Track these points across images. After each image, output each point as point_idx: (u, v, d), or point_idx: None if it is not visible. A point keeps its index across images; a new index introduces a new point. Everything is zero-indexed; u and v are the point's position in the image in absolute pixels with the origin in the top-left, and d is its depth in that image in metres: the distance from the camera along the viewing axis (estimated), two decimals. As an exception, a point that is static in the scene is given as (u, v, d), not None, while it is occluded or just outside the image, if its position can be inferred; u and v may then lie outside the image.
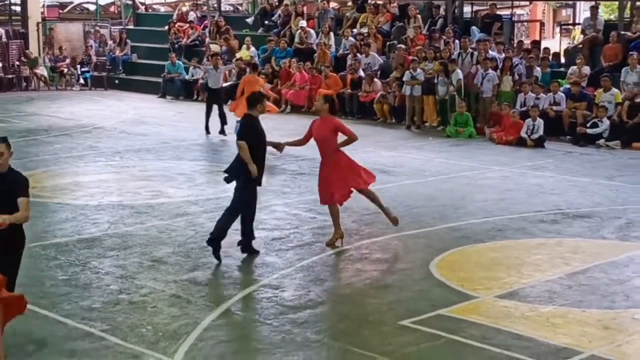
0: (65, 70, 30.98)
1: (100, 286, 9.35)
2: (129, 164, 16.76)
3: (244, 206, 10.43)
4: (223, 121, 19.89)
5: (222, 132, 19.84)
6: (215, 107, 20.08)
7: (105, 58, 31.73)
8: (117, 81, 30.82)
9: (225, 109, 20.14)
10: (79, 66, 31.41)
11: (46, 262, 10.27)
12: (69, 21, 35.36)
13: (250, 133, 10.35)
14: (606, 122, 18.79)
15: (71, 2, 40.20)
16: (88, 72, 31.17)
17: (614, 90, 19.37)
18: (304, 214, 12.61)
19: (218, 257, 10.21)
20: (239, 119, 18.39)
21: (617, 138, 18.55)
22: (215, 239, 10.26)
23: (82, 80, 31.20)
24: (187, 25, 30.87)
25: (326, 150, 10.87)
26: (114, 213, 12.71)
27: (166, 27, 31.32)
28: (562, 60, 23.09)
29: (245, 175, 10.23)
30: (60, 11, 38.19)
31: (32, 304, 8.61)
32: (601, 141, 18.61)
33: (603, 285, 9.38)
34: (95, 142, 19.22)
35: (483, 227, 11.94)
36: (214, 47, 28.04)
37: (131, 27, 34.82)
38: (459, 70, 21.11)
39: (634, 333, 8.08)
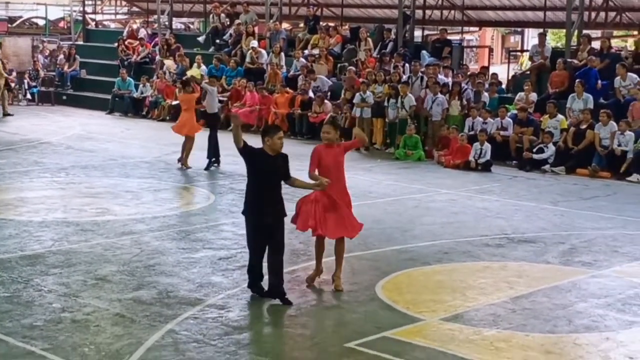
0: (12, 84, 30.59)
1: (42, 304, 9.20)
2: (75, 181, 16.57)
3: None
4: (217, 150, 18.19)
5: (217, 162, 18.26)
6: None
7: (53, 73, 31.42)
8: (64, 97, 30.55)
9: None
10: (26, 81, 31.05)
11: (-13, 279, 10.10)
12: (17, 35, 34.97)
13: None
14: (552, 148, 19.06)
15: (20, 17, 39.77)
16: (36, 87, 30.82)
17: (560, 116, 19.69)
18: (251, 234, 12.51)
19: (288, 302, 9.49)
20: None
21: (562, 164, 18.83)
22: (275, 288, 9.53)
23: (29, 95, 30.82)
24: (138, 42, 30.75)
25: (340, 176, 10.32)
26: (58, 230, 12.54)
27: (116, 44, 31.16)
28: (504, 86, 23.35)
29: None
30: (9, 25, 37.74)
31: (-29, 321, 8.49)
32: (546, 166, 18.87)
33: (546, 309, 9.47)
34: (41, 158, 18.98)
35: (430, 249, 12.00)
36: (168, 63, 27.98)
37: (80, 42, 34.58)
38: (411, 96, 21.26)
39: (575, 358, 8.15)
